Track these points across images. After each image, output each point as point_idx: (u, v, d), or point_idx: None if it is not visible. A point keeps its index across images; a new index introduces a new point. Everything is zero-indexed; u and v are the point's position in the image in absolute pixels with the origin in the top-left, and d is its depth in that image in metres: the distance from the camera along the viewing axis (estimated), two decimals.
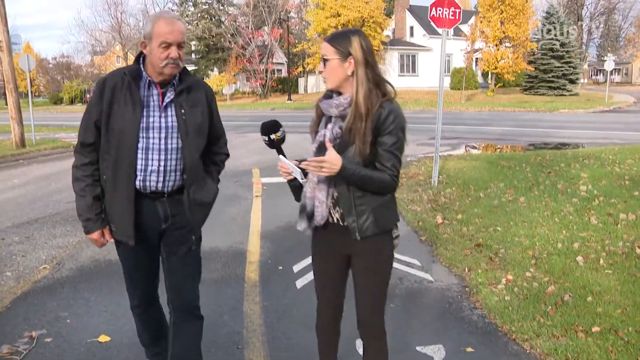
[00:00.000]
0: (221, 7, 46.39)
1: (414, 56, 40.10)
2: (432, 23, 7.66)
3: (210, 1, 46.17)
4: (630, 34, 63.49)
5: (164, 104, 2.34)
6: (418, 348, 3.21)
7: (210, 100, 2.50)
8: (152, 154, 2.33)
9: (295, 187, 2.30)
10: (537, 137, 14.69)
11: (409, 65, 39.98)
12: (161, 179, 2.36)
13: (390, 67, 37.96)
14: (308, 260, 4.57)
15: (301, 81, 46.11)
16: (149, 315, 2.72)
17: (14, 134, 13.54)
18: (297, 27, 46.99)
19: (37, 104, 43.16)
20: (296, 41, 42.81)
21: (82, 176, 2.37)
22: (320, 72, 2.23)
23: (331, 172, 2.06)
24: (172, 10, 38.41)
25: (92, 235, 2.43)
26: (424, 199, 7.00)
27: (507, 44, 32.25)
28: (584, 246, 4.80)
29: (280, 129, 2.27)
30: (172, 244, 2.49)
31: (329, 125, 2.20)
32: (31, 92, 16.90)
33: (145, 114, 2.31)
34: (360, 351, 3.09)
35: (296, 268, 4.55)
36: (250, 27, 41.61)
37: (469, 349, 3.20)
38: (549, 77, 34.60)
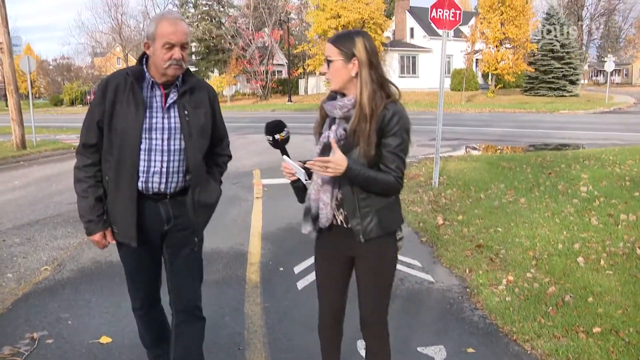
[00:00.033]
0: (221, 9, 46.49)
1: (414, 57, 40.13)
2: (433, 24, 7.67)
3: (210, 3, 46.26)
4: (630, 35, 63.52)
5: (167, 105, 2.33)
6: (419, 349, 3.22)
7: (213, 101, 2.49)
8: (155, 155, 2.32)
9: (299, 188, 2.28)
10: (538, 138, 14.69)
11: (409, 66, 40.01)
12: (164, 180, 2.35)
13: (390, 69, 37.96)
14: (309, 262, 4.58)
15: (301, 82, 46.15)
16: (151, 317, 2.70)
17: (15, 135, 13.56)
18: (297, 29, 47.06)
19: (37, 106, 43.17)
20: (296, 42, 42.91)
21: (84, 177, 2.36)
22: (323, 73, 2.22)
23: (336, 173, 2.05)
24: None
25: (94, 236, 2.41)
26: (424, 200, 7.00)
27: (508, 45, 32.26)
28: (584, 247, 4.80)
29: (285, 129, 2.25)
30: (174, 246, 2.48)
31: (333, 127, 2.19)
32: (32, 93, 16.92)
33: (148, 114, 2.30)
34: (361, 352, 3.10)
35: (297, 269, 4.55)
36: (250, 29, 41.67)
37: (470, 350, 3.20)
38: (549, 78, 34.61)
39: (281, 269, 4.62)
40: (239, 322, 3.59)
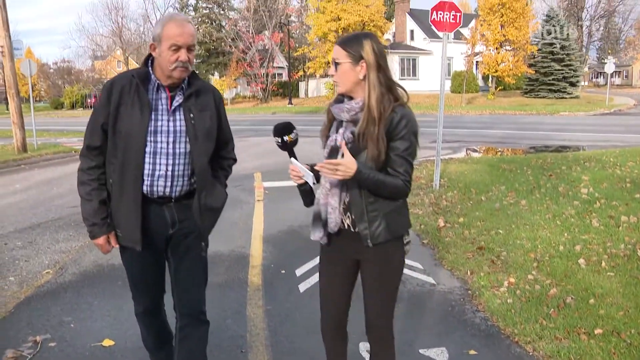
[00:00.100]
0: (222, 12, 46.59)
1: (414, 60, 40.16)
2: (433, 27, 7.68)
3: (210, 5, 46.36)
4: (630, 37, 63.55)
5: (173, 107, 2.31)
6: (421, 351, 3.22)
7: (219, 104, 2.47)
8: (160, 158, 2.30)
9: (305, 192, 2.24)
10: (538, 140, 14.70)
11: (409, 68, 40.02)
12: (169, 183, 2.33)
13: (390, 71, 37.95)
14: (311, 264, 4.59)
15: (302, 85, 46.17)
16: (153, 320, 2.69)
17: (16, 138, 13.58)
18: (297, 31, 47.09)
19: (38, 109, 43.22)
20: (297, 45, 42.94)
21: (88, 180, 2.33)
22: (331, 76, 2.19)
23: (346, 176, 2.01)
24: None
25: (97, 240, 2.39)
26: (425, 202, 7.01)
27: (508, 47, 32.29)
28: (585, 249, 4.81)
29: (294, 131, 2.22)
30: (179, 250, 2.45)
31: (340, 130, 2.17)
32: (32, 97, 16.94)
33: (153, 117, 2.28)
34: (364, 354, 3.10)
35: (299, 272, 4.55)
36: (250, 32, 41.75)
37: (472, 352, 3.20)
38: (549, 80, 34.61)
39: (283, 271, 4.62)
40: (241, 325, 3.59)
